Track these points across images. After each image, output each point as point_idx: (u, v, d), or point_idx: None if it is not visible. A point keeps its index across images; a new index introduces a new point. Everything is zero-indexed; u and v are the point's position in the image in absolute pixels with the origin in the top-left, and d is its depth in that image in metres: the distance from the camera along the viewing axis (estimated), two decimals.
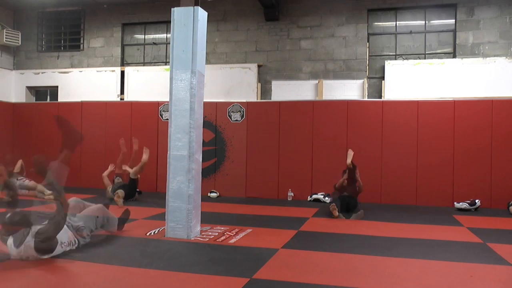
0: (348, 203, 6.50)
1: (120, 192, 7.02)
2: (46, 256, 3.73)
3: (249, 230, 5.16)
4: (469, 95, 8.32)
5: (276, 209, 7.06)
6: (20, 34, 11.06)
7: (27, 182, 7.72)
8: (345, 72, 9.51)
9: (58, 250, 3.83)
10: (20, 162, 8.21)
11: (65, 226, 3.94)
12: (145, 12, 10.65)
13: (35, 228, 3.74)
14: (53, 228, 3.73)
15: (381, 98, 9.09)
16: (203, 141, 5.23)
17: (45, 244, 3.70)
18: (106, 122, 9.28)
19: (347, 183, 6.79)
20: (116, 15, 10.84)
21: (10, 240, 3.71)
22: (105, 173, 7.83)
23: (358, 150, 7.92)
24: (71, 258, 3.79)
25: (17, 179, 7.81)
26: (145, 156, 7.36)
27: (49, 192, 7.47)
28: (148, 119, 9.03)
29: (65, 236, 3.93)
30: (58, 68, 11.14)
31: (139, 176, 7.59)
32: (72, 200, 4.57)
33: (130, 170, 7.55)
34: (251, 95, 9.67)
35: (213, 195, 8.34)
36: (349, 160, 6.73)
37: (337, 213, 6.09)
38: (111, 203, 6.84)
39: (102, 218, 4.46)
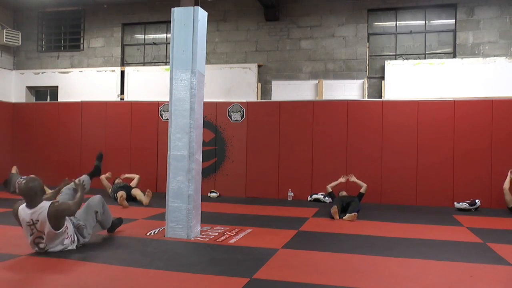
0: (347, 203, 6.46)
1: (123, 194, 7.03)
2: (52, 230, 3.80)
3: (249, 230, 5.16)
4: (469, 95, 8.32)
5: (276, 209, 7.06)
6: (20, 34, 11.06)
7: None
8: (345, 72, 9.51)
9: (60, 235, 3.89)
10: (14, 168, 8.22)
11: (69, 219, 4.08)
12: (145, 12, 10.66)
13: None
14: (70, 206, 3.96)
15: (381, 98, 9.09)
16: (203, 141, 5.24)
17: (57, 213, 3.80)
18: (106, 122, 9.28)
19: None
20: (116, 15, 10.84)
21: (23, 204, 3.84)
22: (104, 177, 7.85)
23: (358, 150, 7.95)
24: (71, 258, 3.79)
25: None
26: (146, 200, 7.08)
27: (50, 191, 7.46)
28: (148, 119, 9.03)
29: (70, 227, 4.04)
30: (58, 68, 11.14)
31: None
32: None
33: (134, 179, 7.88)
34: (251, 95, 9.67)
35: (213, 195, 8.34)
36: (336, 217, 6.08)
37: (337, 217, 6.05)
38: (114, 203, 6.88)
39: (100, 213, 4.50)
